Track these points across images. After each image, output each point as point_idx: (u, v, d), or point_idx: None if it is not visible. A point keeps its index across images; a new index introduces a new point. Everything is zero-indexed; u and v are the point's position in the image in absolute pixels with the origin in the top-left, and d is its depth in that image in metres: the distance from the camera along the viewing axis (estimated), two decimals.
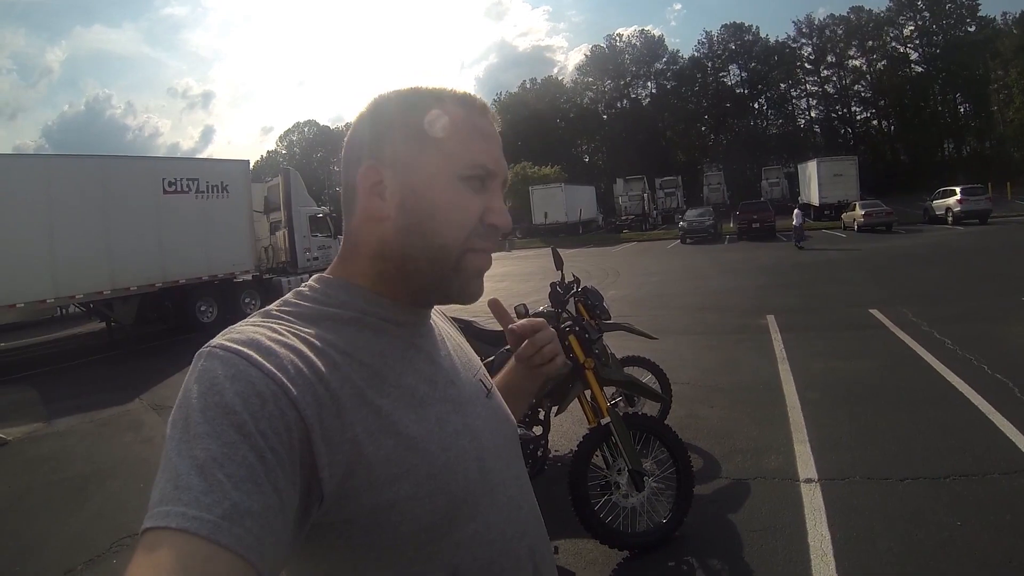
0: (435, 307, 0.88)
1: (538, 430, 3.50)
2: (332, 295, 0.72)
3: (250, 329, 0.64)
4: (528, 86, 79.50)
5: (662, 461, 3.31)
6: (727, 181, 49.84)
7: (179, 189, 12.83)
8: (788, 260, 16.94)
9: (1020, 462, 3.62)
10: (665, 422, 3.91)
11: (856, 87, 68.50)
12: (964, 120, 62.86)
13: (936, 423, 4.35)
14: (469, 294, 0.75)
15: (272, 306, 0.71)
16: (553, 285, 4.11)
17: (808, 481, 3.63)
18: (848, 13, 67.12)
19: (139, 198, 12.10)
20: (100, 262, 11.40)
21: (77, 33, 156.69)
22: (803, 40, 70.13)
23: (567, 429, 4.66)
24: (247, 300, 14.08)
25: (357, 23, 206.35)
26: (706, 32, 77.48)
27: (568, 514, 3.06)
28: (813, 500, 3.39)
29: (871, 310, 8.51)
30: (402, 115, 0.72)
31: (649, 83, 76.94)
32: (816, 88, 70.73)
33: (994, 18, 60.23)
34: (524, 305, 4.54)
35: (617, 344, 4.86)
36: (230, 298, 13.70)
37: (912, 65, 65.06)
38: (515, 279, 16.61)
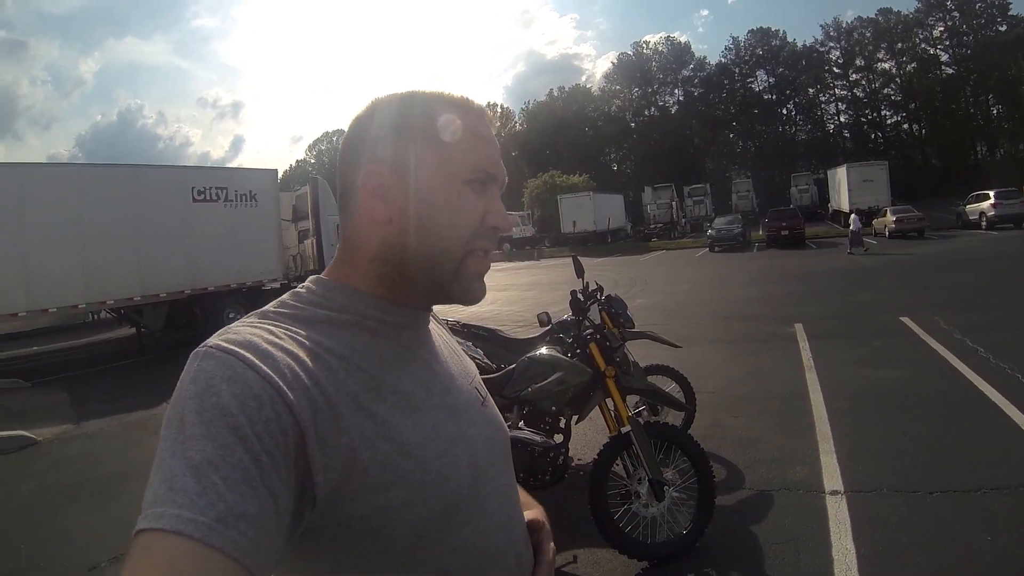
0: (431, 313, 0.89)
1: (559, 438, 3.49)
2: (329, 297, 0.72)
3: (246, 330, 0.63)
4: (556, 94, 79.81)
5: (683, 471, 3.28)
6: (756, 188, 49.55)
7: (208, 198, 13.04)
8: (817, 268, 16.68)
9: None
10: (688, 432, 3.89)
11: (885, 90, 67.21)
12: (997, 122, 61.03)
13: (968, 434, 4.25)
14: (471, 296, 0.76)
15: (269, 307, 0.71)
16: (574, 293, 4.12)
17: (834, 493, 3.56)
18: (876, 15, 66.08)
19: (169, 206, 12.34)
20: (130, 269, 11.66)
21: (109, 45, 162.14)
22: (831, 44, 69.17)
23: (589, 438, 4.64)
24: None
25: (385, 32, 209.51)
26: (733, 38, 77.10)
27: (587, 523, 3.05)
28: (838, 512, 3.33)
29: (902, 318, 8.36)
30: (404, 118, 0.73)
31: (676, 90, 76.71)
32: (845, 92, 69.67)
33: None
34: (546, 313, 4.59)
35: (642, 353, 4.85)
36: (258, 306, 13.80)
37: (942, 67, 63.59)
38: (543, 288, 16.59)
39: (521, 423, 3.37)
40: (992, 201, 23.12)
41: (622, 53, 79.87)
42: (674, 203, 43.57)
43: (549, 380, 3.26)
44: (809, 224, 29.09)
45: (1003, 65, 54.99)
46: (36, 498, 4.77)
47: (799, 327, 8.42)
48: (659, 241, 36.44)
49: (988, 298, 9.63)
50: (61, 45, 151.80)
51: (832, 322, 8.80)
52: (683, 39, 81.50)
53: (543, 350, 3.49)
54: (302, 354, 0.63)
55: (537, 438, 3.13)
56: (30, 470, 5.46)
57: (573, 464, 4.19)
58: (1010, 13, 59.21)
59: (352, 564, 0.65)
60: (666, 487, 3.14)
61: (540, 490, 3.26)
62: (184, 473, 0.52)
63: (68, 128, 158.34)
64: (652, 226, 42.11)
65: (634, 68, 76.13)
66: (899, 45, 64.85)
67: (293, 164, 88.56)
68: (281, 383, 0.58)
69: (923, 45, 64.29)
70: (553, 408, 3.31)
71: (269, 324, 0.66)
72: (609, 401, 3.32)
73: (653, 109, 76.83)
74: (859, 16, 68.51)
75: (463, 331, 4.61)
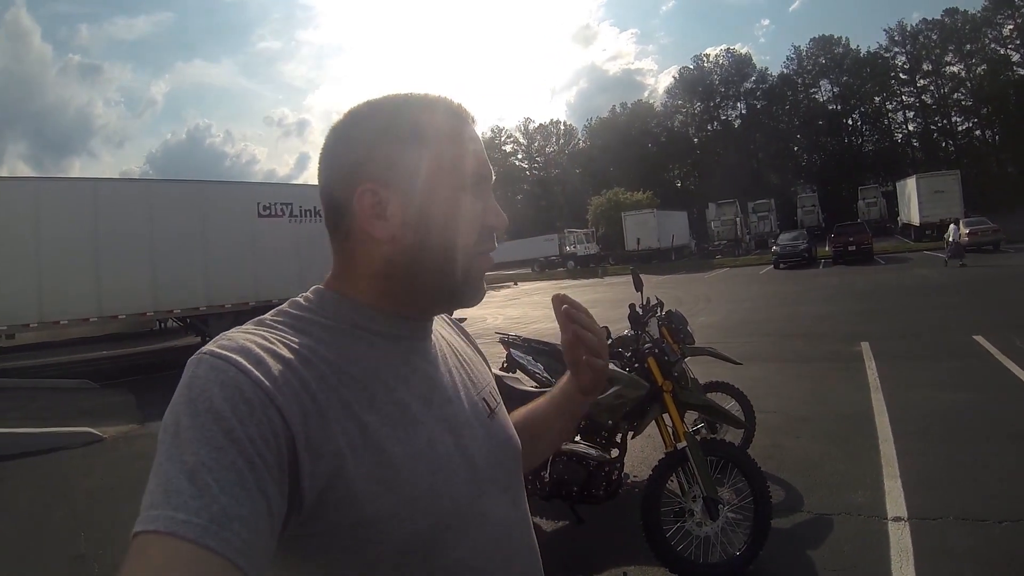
0: (445, 318, 0.90)
1: (614, 452, 3.52)
2: (326, 307, 0.72)
3: (241, 337, 0.64)
4: (618, 111, 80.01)
5: (740, 490, 3.23)
6: (821, 202, 48.33)
7: (273, 213, 13.60)
8: (886, 284, 16.08)
9: None
10: (747, 451, 3.84)
11: (955, 95, 64.09)
12: None
13: None
14: (480, 296, 0.76)
15: (267, 315, 0.71)
16: (632, 307, 4.15)
17: (896, 519, 3.46)
18: (942, 16, 63.36)
19: (235, 221, 12.95)
20: (197, 280, 12.28)
21: (179, 68, 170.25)
22: (896, 49, 66.72)
23: (646, 455, 4.64)
24: None
25: (446, 51, 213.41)
26: (794, 47, 75.28)
27: (639, 540, 3.07)
28: (900, 540, 3.24)
29: (975, 336, 7.99)
30: (391, 129, 0.71)
31: (739, 103, 75.57)
32: (912, 99, 66.94)
33: None
34: (606, 328, 4.62)
35: (702, 370, 4.84)
36: None
37: (1014, 67, 60.11)
38: (606, 306, 16.48)
39: (577, 436, 3.41)
40: None
41: (683, 67, 79.44)
42: (738, 219, 42.78)
43: (607, 394, 3.28)
44: (877, 239, 28.07)
45: None
46: (100, 491, 5.11)
47: (865, 346, 8.17)
48: (723, 258, 35.97)
49: None
50: (133, 68, 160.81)
51: (900, 341, 8.49)
52: (744, 50, 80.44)
53: None
54: (294, 360, 0.63)
55: (592, 452, 3.17)
56: (95, 465, 5.84)
57: (628, 481, 4.20)
58: None
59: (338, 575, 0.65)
60: (721, 506, 3.10)
61: (594, 504, 3.30)
62: (179, 476, 0.53)
63: (139, 146, 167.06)
64: (716, 243, 41.63)
65: (696, 82, 75.41)
66: (967, 47, 61.90)
67: None
68: (272, 388, 0.59)
69: (993, 45, 61.16)
70: (609, 422, 3.34)
71: (264, 331, 0.67)
72: (666, 416, 3.32)
73: (716, 123, 75.90)
74: (924, 18, 66.09)
75: (523, 345, 4.70)
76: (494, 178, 0.78)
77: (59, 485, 5.34)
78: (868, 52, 67.97)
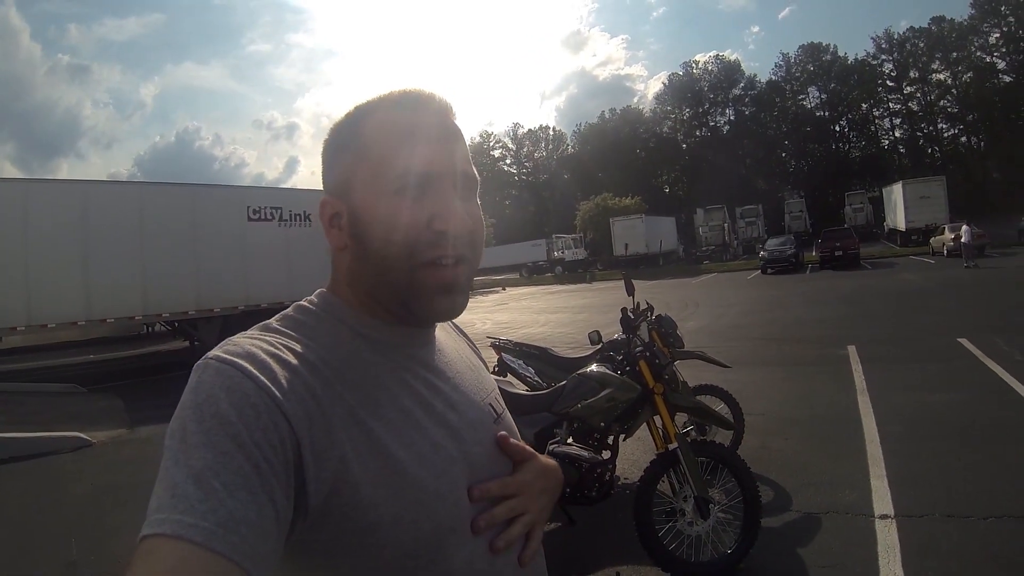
0: (449, 324, 0.88)
1: (606, 454, 3.56)
2: (330, 312, 0.73)
3: (247, 342, 0.64)
4: (607, 116, 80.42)
5: (730, 490, 3.30)
6: (809, 208, 48.74)
7: (263, 217, 13.51)
8: (872, 289, 16.27)
9: None
10: (736, 452, 3.90)
11: (942, 102, 65.23)
12: None
13: None
14: (438, 312, 0.72)
15: (272, 320, 0.71)
16: (624, 311, 4.20)
17: (883, 517, 3.53)
18: (929, 24, 64.58)
19: (224, 225, 12.84)
20: (187, 283, 12.16)
21: (168, 70, 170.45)
22: (883, 56, 67.87)
23: (637, 457, 4.69)
24: None
25: (438, 56, 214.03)
26: (783, 54, 76.01)
27: (631, 540, 3.11)
28: (887, 537, 3.30)
29: (960, 339, 8.12)
30: (338, 139, 0.72)
31: (727, 110, 76.46)
32: (899, 106, 68.05)
33: None
34: (597, 332, 4.68)
35: (691, 373, 4.88)
36: None
37: (1000, 75, 61.23)
38: (594, 311, 16.60)
39: (570, 439, 3.45)
40: None
41: (672, 73, 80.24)
42: (726, 224, 43.12)
43: (599, 397, 3.33)
44: (864, 244, 28.37)
45: None
46: (90, 496, 5.07)
47: (852, 349, 8.27)
48: (711, 263, 36.25)
49: None
50: (123, 70, 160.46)
51: (886, 344, 8.60)
52: (733, 57, 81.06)
53: (593, 367, 3.57)
54: (300, 365, 0.63)
55: (585, 454, 3.20)
56: (84, 470, 5.78)
57: (619, 482, 4.25)
58: None
59: None
60: (712, 506, 3.16)
61: (586, 505, 3.34)
62: (186, 480, 0.53)
63: (128, 148, 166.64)
64: (704, 248, 41.81)
65: (685, 88, 76.15)
66: (954, 54, 62.94)
67: None
68: (278, 393, 0.59)
69: (979, 53, 62.29)
70: (602, 424, 3.38)
71: (269, 336, 0.67)
72: (657, 419, 3.38)
73: (704, 129, 76.62)
74: (911, 26, 67.56)
75: (515, 349, 4.74)
76: (470, 175, 0.72)
77: (49, 490, 5.30)
78: (856, 59, 69.17)
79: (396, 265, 0.68)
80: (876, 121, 70.17)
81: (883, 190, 38.43)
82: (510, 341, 4.96)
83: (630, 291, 4.34)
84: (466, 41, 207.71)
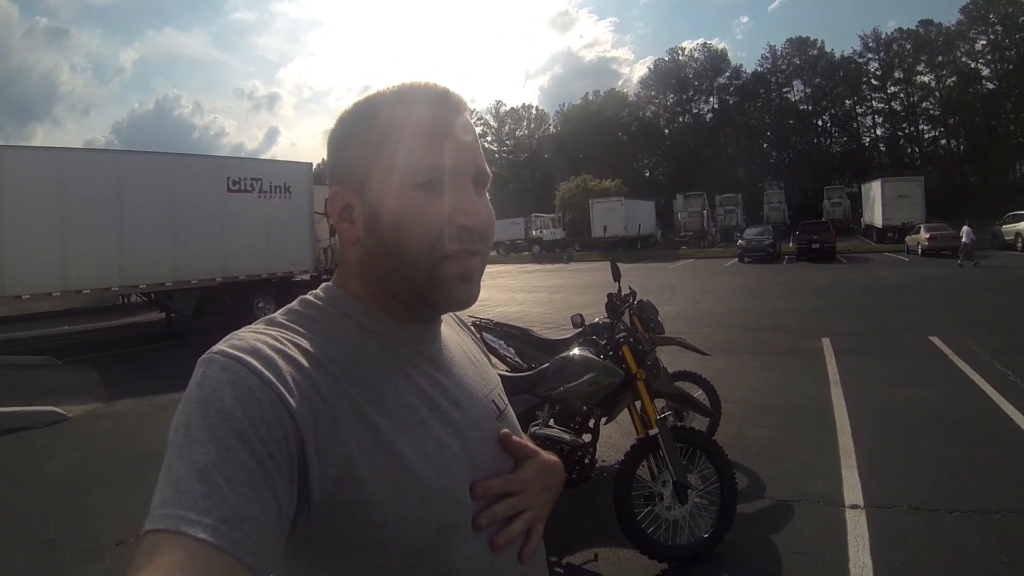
0: (454, 319, 0.88)
1: (587, 438, 3.58)
2: (336, 307, 0.72)
3: (252, 336, 0.63)
4: (591, 98, 79.81)
5: (707, 476, 3.36)
6: (788, 200, 49.17)
7: (243, 188, 13.30)
8: (847, 283, 16.52)
9: None
10: (713, 438, 3.96)
11: (924, 104, 65.76)
12: None
13: (991, 456, 4.27)
14: (456, 302, 0.72)
15: (277, 313, 0.71)
16: (610, 296, 4.21)
17: (853, 507, 3.61)
18: (917, 27, 64.85)
19: (204, 195, 12.63)
20: (164, 254, 11.96)
21: (149, 36, 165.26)
22: (869, 55, 68.04)
23: (615, 441, 4.74)
24: None
25: (423, 30, 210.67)
26: (770, 46, 76.20)
27: (610, 523, 3.15)
28: (857, 527, 3.39)
29: (931, 337, 8.30)
30: (351, 130, 0.71)
31: (711, 98, 76.39)
32: (882, 105, 68.44)
33: None
34: (580, 315, 4.69)
35: (670, 359, 4.93)
36: (287, 296, 14.03)
37: (983, 81, 61.94)
38: (571, 291, 16.68)
39: (551, 421, 3.48)
40: None
41: (658, 59, 79.85)
42: (705, 211, 43.44)
43: (581, 380, 3.35)
44: (841, 238, 28.71)
45: None
46: (67, 473, 4.93)
47: (826, 341, 8.41)
48: (689, 249, 36.41)
49: (1020, 321, 9.53)
50: (102, 34, 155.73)
51: (859, 338, 8.76)
52: (720, 46, 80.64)
53: (576, 351, 3.58)
54: (305, 361, 0.63)
55: (566, 436, 3.23)
56: (61, 445, 5.64)
57: (598, 465, 4.29)
58: None
59: None
60: (690, 491, 3.21)
61: (566, 488, 3.37)
62: (189, 475, 0.52)
63: (106, 115, 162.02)
64: (682, 234, 42.08)
65: (670, 74, 75.87)
66: (939, 58, 63.44)
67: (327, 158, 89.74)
68: (283, 389, 0.59)
69: (964, 59, 62.74)
70: (584, 408, 3.40)
71: (275, 331, 0.66)
72: (638, 404, 3.39)
73: (687, 116, 76.57)
74: (899, 27, 67.50)
75: (496, 329, 4.73)
76: (480, 170, 0.72)
77: (24, 467, 5.15)
78: (842, 56, 69.20)
79: (418, 259, 0.68)
80: (859, 118, 70.60)
81: (862, 186, 38.85)
82: (491, 321, 4.95)
83: (616, 276, 4.35)
84: (452, 16, 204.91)
